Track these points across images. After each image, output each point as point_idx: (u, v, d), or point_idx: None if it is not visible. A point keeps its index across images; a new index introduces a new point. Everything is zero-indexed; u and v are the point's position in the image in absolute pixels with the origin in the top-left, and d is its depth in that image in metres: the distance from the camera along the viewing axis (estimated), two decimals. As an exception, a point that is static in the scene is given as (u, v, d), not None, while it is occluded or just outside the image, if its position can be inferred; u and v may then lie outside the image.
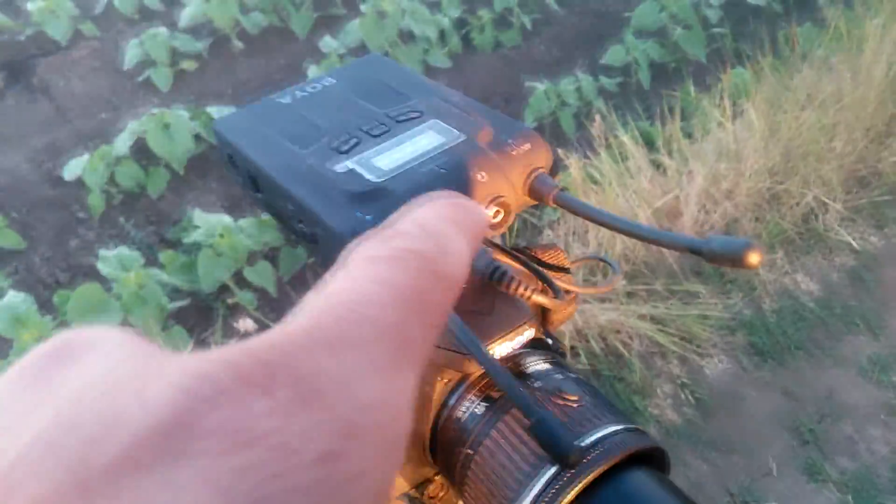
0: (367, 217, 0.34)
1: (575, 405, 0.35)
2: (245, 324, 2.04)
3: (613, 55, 3.12)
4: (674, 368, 1.88)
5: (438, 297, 0.20)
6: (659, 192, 2.22)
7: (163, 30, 3.39)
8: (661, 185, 2.25)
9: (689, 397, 1.81)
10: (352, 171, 0.36)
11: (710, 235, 0.30)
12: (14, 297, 2.02)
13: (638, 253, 2.09)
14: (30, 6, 3.63)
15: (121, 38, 3.70)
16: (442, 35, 3.46)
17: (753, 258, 0.29)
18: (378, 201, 0.34)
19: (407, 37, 3.38)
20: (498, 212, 0.36)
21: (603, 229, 2.03)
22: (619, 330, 1.91)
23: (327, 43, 3.25)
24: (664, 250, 2.12)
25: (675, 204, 2.22)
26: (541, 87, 2.86)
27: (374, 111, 0.41)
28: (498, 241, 0.43)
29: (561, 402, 0.36)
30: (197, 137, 2.73)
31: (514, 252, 0.40)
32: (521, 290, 0.34)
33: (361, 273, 0.20)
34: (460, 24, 3.50)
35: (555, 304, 0.36)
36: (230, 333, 2.04)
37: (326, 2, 3.65)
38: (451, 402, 0.39)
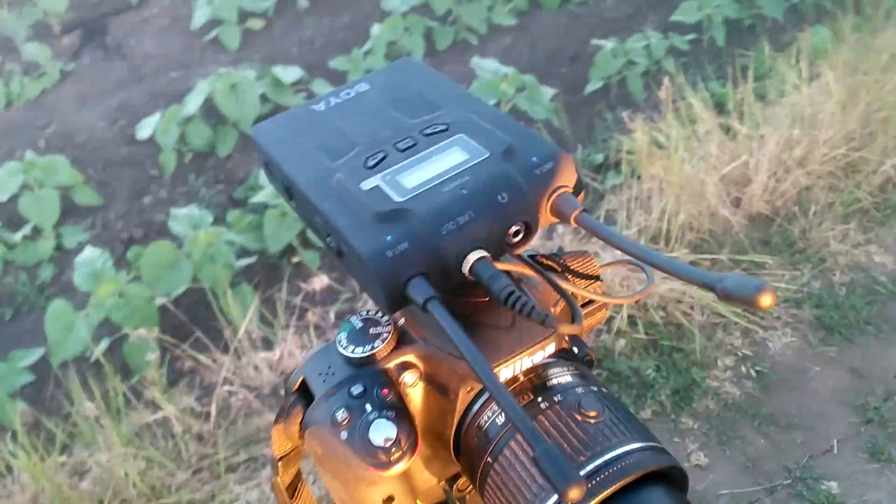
0: (388, 238, 0.34)
1: (593, 421, 0.36)
2: (320, 281, 2.07)
3: (685, 11, 3.01)
4: (735, 341, 1.85)
5: None
6: (728, 157, 2.16)
7: (231, -12, 3.42)
8: (731, 150, 2.18)
9: (751, 371, 1.78)
10: (377, 188, 0.37)
11: (725, 273, 0.30)
12: (91, 253, 2.11)
13: (703, 222, 2.05)
14: (104, -35, 3.70)
15: (190, -4, 3.75)
16: (508, -9, 3.40)
17: (765, 300, 0.29)
18: (400, 222, 0.35)
19: (472, -6, 3.33)
20: (518, 231, 0.36)
21: (668, 198, 2.00)
22: (681, 300, 1.89)
23: (390, 2, 3.23)
24: (731, 219, 2.07)
25: (744, 171, 2.16)
26: (607, 45, 2.78)
27: (403, 122, 0.41)
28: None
29: (580, 417, 0.36)
30: (263, 98, 2.77)
31: (538, 265, 0.41)
32: (535, 316, 0.34)
33: None
34: (527, -21, 3.43)
35: (570, 329, 0.37)
36: (295, 291, 2.09)
37: (392, -42, 3.62)
38: (475, 409, 0.40)
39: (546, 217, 0.37)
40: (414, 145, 0.39)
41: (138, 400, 1.83)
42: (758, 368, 1.79)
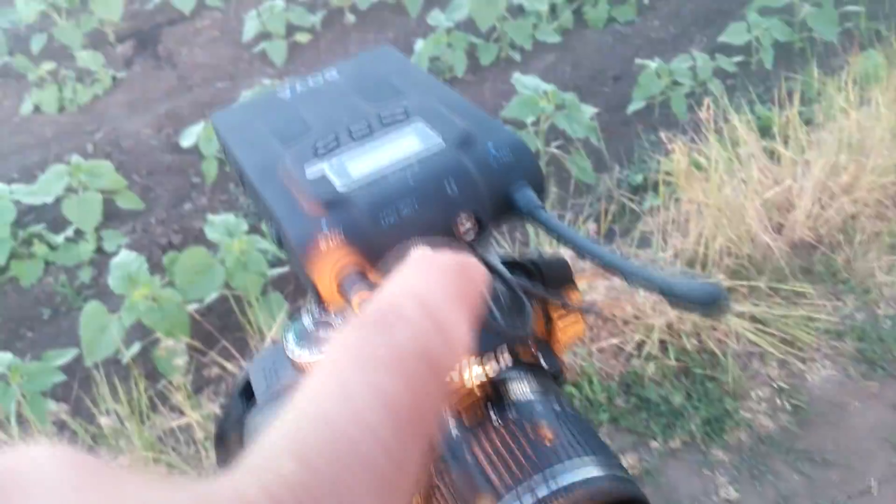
0: (324, 227, 0.32)
1: (548, 443, 0.33)
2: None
3: (733, 33, 2.95)
4: (771, 371, 1.78)
5: (438, 401, 0.19)
6: (770, 181, 2.10)
7: (280, 2, 3.47)
8: (774, 174, 2.12)
9: (786, 403, 1.72)
10: (322, 176, 0.35)
11: (678, 277, 0.27)
12: (127, 256, 2.14)
13: (742, 247, 1.99)
14: (158, -22, 3.80)
15: (242, 8, 3.83)
16: (553, 9, 3.38)
17: (718, 307, 0.26)
18: (339, 212, 0.33)
19: (516, 11, 3.32)
20: (468, 225, 0.34)
21: (706, 222, 1.95)
22: (715, 327, 1.83)
23: (436, 17, 3.24)
24: (772, 245, 2.01)
25: (787, 196, 2.09)
26: (652, 65, 2.74)
27: (364, 109, 0.39)
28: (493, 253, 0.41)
29: (532, 436, 0.34)
30: (304, 109, 2.79)
31: (495, 269, 0.38)
32: None
33: (359, 383, 0.18)
34: (573, -2, 3.41)
35: (511, 333, 0.34)
36: (325, 303, 2.09)
37: (438, -25, 3.64)
38: None
39: (501, 212, 0.35)
40: (369, 133, 0.37)
41: (164, 404, 1.84)
42: (794, 401, 1.72)
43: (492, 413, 0.36)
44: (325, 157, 0.36)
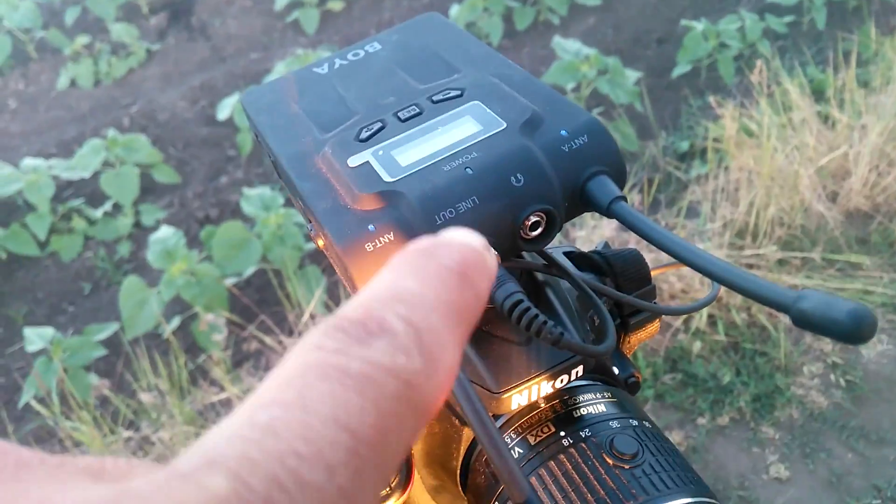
0: (370, 227, 0.28)
1: (628, 466, 0.29)
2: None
3: (784, -9, 2.82)
4: (824, 346, 1.71)
5: (408, 435, 0.16)
6: (825, 148, 2.00)
7: (312, -31, 3.41)
8: (829, 140, 2.02)
9: (840, 379, 1.65)
10: (366, 164, 0.30)
11: (806, 291, 0.22)
12: (165, 231, 2.14)
13: (795, 216, 1.91)
14: (191, -53, 3.76)
15: (273, -23, 3.77)
16: (593, -30, 3.27)
17: (864, 332, 0.20)
18: (387, 207, 0.28)
19: (555, -27, 3.21)
20: (537, 222, 0.29)
21: (757, 190, 1.87)
22: (766, 300, 1.76)
23: (472, -19, 3.15)
24: (826, 215, 1.92)
25: (842, 163, 2.00)
26: (698, 27, 2.63)
27: (413, 87, 0.34)
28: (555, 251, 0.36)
29: (611, 460, 0.29)
30: (339, 79, 2.75)
31: (565, 265, 0.33)
32: (545, 335, 0.26)
33: (321, 395, 0.15)
34: (614, -42, 3.29)
35: (592, 352, 0.29)
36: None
37: (474, -63, 3.54)
38: None
39: (574, 205, 0.30)
40: (418, 114, 0.32)
41: (204, 379, 1.84)
42: (848, 377, 1.65)
43: (561, 432, 0.31)
44: (369, 143, 0.31)
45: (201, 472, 0.13)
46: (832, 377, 1.66)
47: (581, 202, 0.30)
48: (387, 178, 0.29)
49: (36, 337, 1.92)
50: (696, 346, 1.71)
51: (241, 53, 3.41)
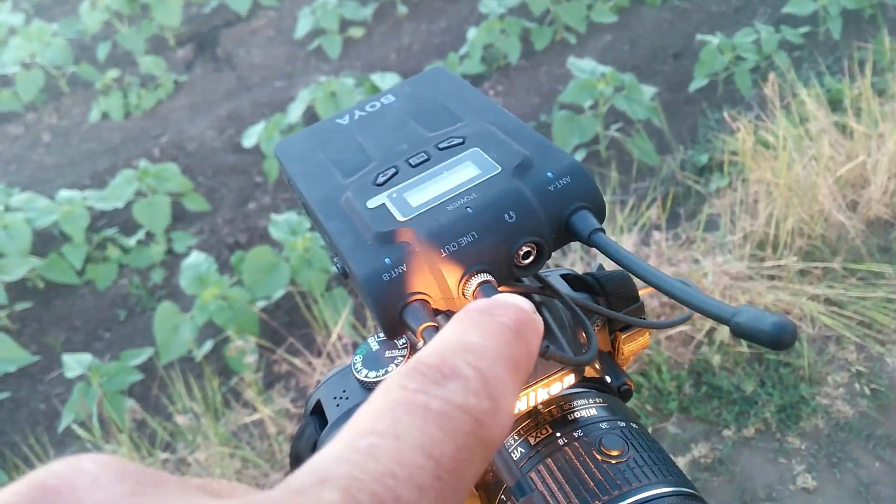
0: (387, 260, 0.32)
1: (614, 461, 0.33)
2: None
3: (798, 3, 2.84)
4: (849, 356, 1.72)
5: (478, 467, 0.19)
6: (843, 158, 2.02)
7: (332, -2, 3.50)
8: (846, 150, 2.04)
9: (865, 388, 1.66)
10: (383, 206, 0.35)
11: (742, 307, 0.26)
12: (197, 257, 2.20)
13: (815, 227, 1.92)
14: (214, -20, 3.87)
15: (295, 6, 3.87)
16: (608, -11, 3.31)
17: (784, 340, 0.25)
18: (400, 243, 0.33)
19: (571, -7, 3.26)
20: (529, 252, 0.34)
21: (775, 202, 1.88)
22: (789, 311, 1.77)
23: (487, 4, 3.21)
24: (847, 224, 1.93)
25: (861, 172, 2.01)
26: (714, 40, 2.66)
27: (422, 135, 0.39)
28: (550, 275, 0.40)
29: (600, 457, 0.34)
30: (361, 104, 2.81)
31: (557, 291, 0.37)
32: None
33: (408, 427, 0.18)
34: (628, -24, 3.33)
35: (573, 361, 0.33)
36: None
37: (490, -40, 3.61)
38: None
39: (560, 236, 0.35)
40: (427, 160, 0.37)
41: (237, 401, 1.89)
42: (873, 386, 1.66)
43: (557, 433, 0.36)
44: (384, 188, 0.36)
45: (317, 489, 0.17)
46: (857, 386, 1.67)
47: (566, 234, 0.34)
48: (399, 218, 0.34)
49: (75, 363, 1.99)
50: (719, 358, 1.72)
51: (265, 82, 3.50)
